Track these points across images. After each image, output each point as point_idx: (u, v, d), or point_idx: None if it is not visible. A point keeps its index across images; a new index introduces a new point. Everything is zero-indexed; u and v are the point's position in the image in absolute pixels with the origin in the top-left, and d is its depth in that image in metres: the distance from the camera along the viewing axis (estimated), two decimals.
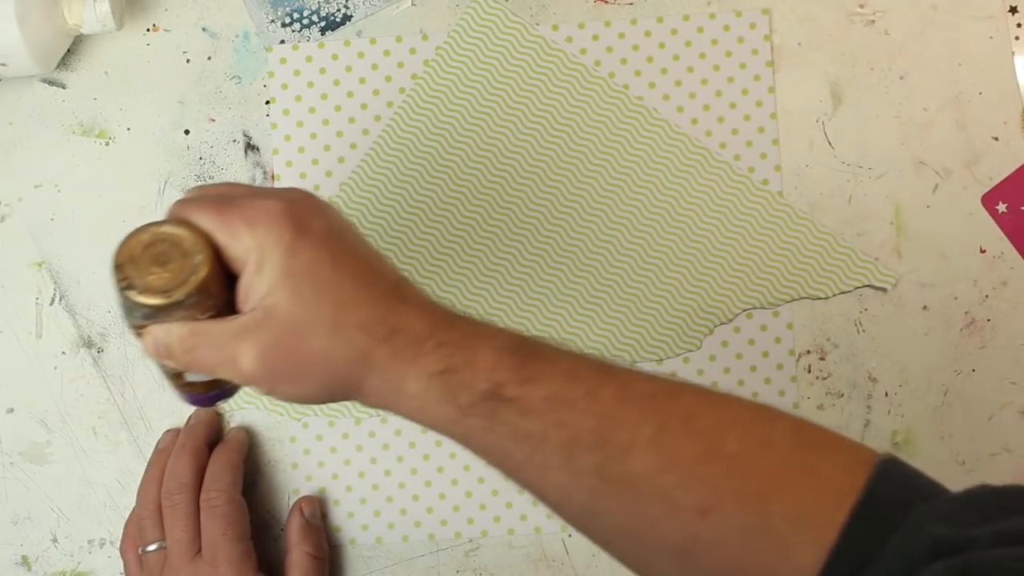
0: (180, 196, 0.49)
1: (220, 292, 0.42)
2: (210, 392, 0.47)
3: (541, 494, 0.42)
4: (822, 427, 0.40)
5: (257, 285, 0.41)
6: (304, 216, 0.42)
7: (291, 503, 0.63)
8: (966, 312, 0.63)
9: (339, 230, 0.43)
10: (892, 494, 0.37)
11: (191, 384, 0.46)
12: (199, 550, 0.58)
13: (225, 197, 0.43)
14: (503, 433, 0.40)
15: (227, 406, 0.64)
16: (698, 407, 0.40)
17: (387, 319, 0.41)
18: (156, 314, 0.42)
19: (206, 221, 0.42)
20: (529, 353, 0.41)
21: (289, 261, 0.41)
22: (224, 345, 0.42)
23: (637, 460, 0.39)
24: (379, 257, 0.44)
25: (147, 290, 0.41)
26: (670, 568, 0.40)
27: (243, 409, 0.64)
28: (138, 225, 0.42)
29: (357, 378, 0.42)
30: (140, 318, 0.42)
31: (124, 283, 0.41)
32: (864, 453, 0.39)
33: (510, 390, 0.40)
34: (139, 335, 0.43)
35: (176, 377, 0.45)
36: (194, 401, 0.47)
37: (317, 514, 0.63)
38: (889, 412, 0.63)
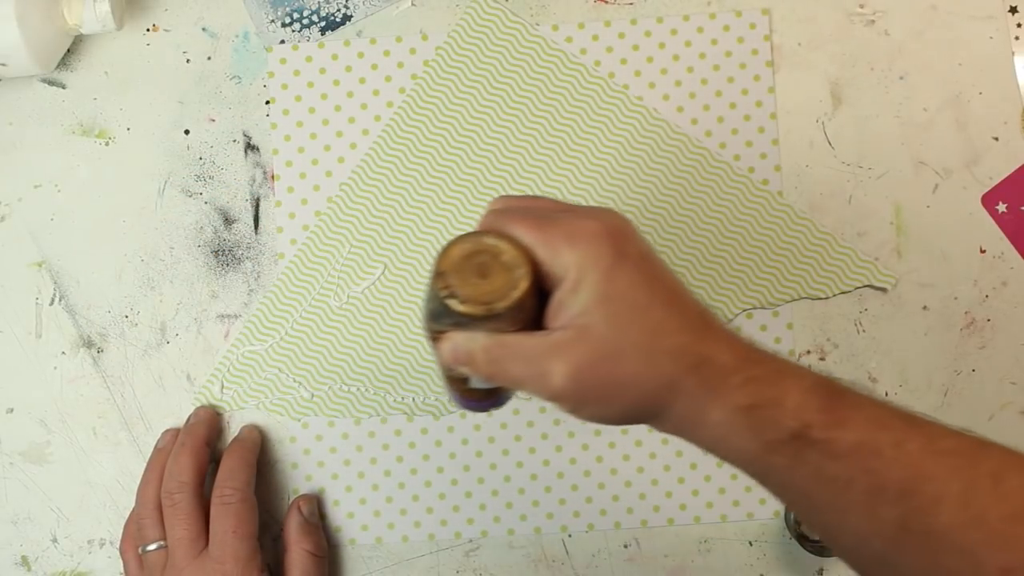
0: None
1: (532, 307, 0.42)
2: (486, 400, 0.48)
3: (835, 537, 0.42)
4: None
5: (571, 303, 0.41)
6: (621, 239, 0.42)
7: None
8: (966, 312, 0.63)
9: (650, 255, 0.43)
10: None
11: (471, 390, 0.47)
12: (202, 548, 0.58)
13: (541, 212, 0.44)
14: (806, 474, 0.40)
15: (225, 406, 0.64)
16: (1008, 467, 0.40)
17: (696, 348, 0.41)
18: (468, 323, 0.42)
19: (527, 236, 0.42)
20: (836, 395, 0.41)
21: (607, 284, 0.41)
22: (534, 360, 0.42)
23: (944, 516, 0.38)
24: (684, 285, 0.44)
25: (468, 300, 0.41)
26: None
27: (242, 409, 0.64)
28: (458, 234, 0.43)
29: (662, 404, 0.42)
30: (448, 324, 0.42)
31: (446, 291, 0.41)
32: None
33: (818, 432, 0.40)
34: (436, 339, 0.44)
35: (458, 382, 0.46)
36: (466, 405, 0.49)
37: (315, 512, 0.63)
38: None
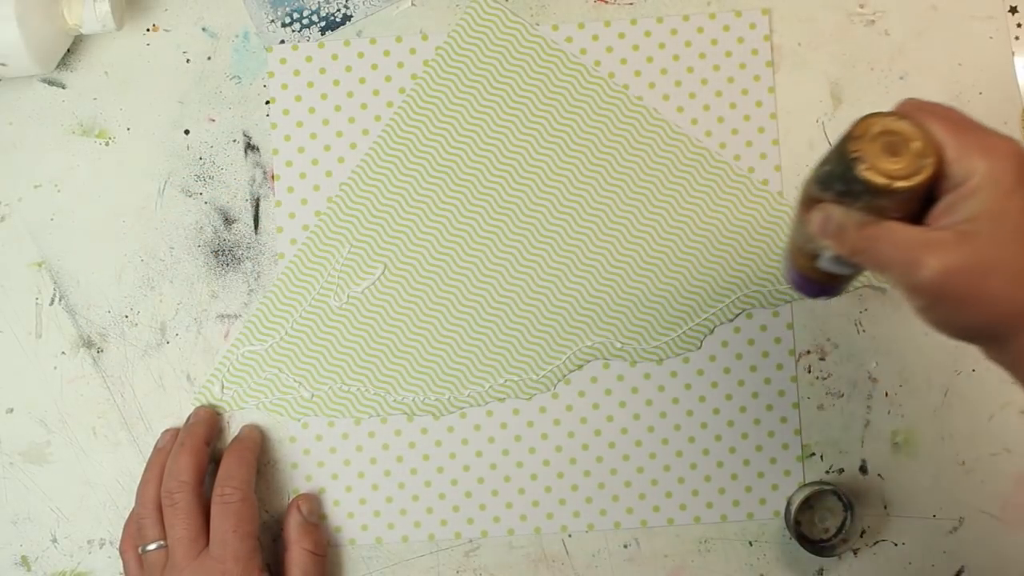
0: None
1: (921, 199, 0.43)
2: (824, 284, 0.49)
3: None
4: None
5: (962, 207, 0.42)
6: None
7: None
8: None
9: None
10: None
11: (815, 269, 0.47)
12: (202, 548, 0.58)
13: (958, 118, 0.44)
14: None
15: (225, 406, 0.64)
16: None
17: None
18: (858, 196, 0.43)
19: (941, 133, 0.43)
20: None
21: (1004, 201, 0.42)
22: (909, 249, 0.42)
23: None
24: None
25: (873, 169, 0.42)
26: None
27: (242, 409, 0.64)
28: (874, 111, 0.44)
29: (1012, 331, 0.42)
30: (834, 193, 0.43)
31: (856, 154, 0.42)
32: None
33: None
34: (808, 206, 0.45)
35: (805, 257, 0.47)
36: (800, 285, 0.49)
37: (315, 512, 0.63)
38: (889, 412, 0.63)
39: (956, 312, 0.43)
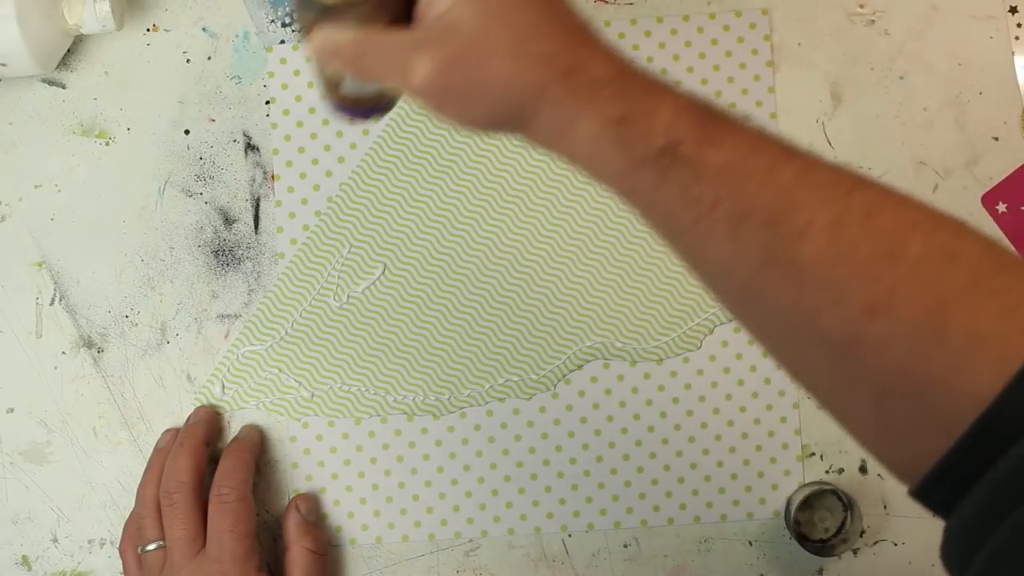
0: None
1: (398, 1, 0.41)
2: (363, 107, 0.47)
3: (699, 264, 0.41)
4: (1014, 252, 0.38)
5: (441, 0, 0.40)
6: None
7: None
8: None
9: None
10: None
11: (345, 96, 0.46)
12: (200, 548, 0.58)
13: None
14: (671, 192, 0.39)
15: (226, 406, 0.64)
16: (882, 204, 0.38)
17: (569, 55, 0.40)
18: (331, 14, 0.41)
19: None
20: (712, 116, 0.40)
21: None
22: (399, 54, 0.41)
23: (809, 246, 0.37)
24: None
25: None
26: (824, 363, 0.38)
27: (242, 409, 0.64)
28: None
29: (529, 109, 0.40)
30: (314, 15, 0.42)
31: None
32: None
33: (687, 149, 0.39)
34: (306, 36, 0.43)
35: (332, 87, 0.45)
36: (344, 112, 0.47)
37: (314, 511, 0.63)
38: None
39: (466, 106, 0.41)
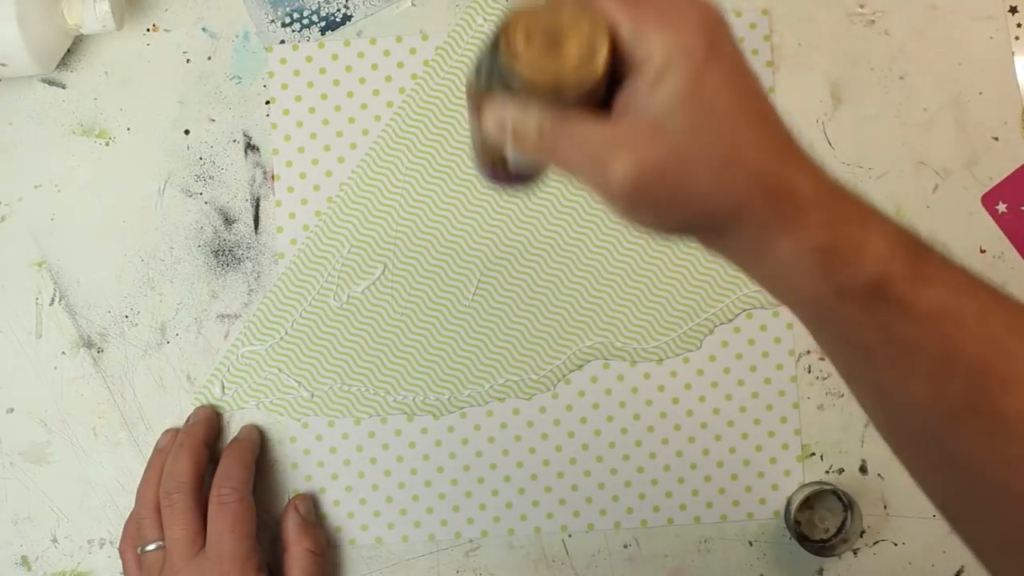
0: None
1: (602, 90, 0.37)
2: (519, 179, 0.43)
3: (883, 399, 0.39)
4: None
5: (649, 96, 0.36)
6: (718, 33, 0.37)
7: None
8: None
9: (744, 59, 0.38)
10: None
11: (507, 170, 0.42)
12: (200, 548, 0.58)
13: None
14: (873, 327, 0.37)
15: (226, 406, 0.64)
16: None
17: (777, 173, 0.37)
18: (522, 89, 0.36)
19: (613, 8, 0.37)
20: (923, 251, 0.37)
21: (695, 82, 0.36)
22: (597, 148, 0.37)
23: (1015, 398, 0.36)
24: (773, 103, 0.39)
25: (534, 66, 0.35)
26: (1003, 516, 0.37)
27: (242, 409, 0.64)
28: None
29: (729, 226, 0.38)
30: (499, 86, 0.37)
31: (509, 51, 0.36)
32: None
33: (898, 287, 0.36)
34: (479, 105, 0.39)
35: (492, 157, 0.42)
36: (500, 183, 0.44)
37: (312, 511, 0.63)
38: None
39: (659, 215, 0.38)
